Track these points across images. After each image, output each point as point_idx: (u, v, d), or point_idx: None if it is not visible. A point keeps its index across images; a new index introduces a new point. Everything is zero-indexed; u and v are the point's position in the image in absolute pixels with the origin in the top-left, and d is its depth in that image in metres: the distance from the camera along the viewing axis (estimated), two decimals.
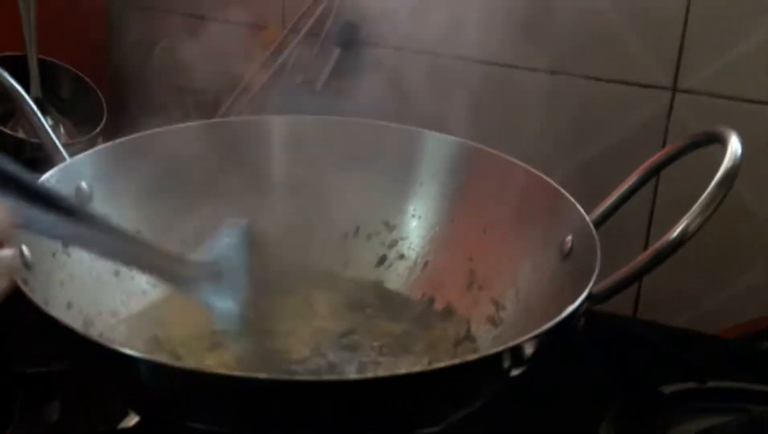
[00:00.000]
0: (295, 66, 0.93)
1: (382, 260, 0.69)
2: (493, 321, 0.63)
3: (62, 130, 0.82)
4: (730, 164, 0.51)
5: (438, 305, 0.66)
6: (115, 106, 0.96)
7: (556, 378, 0.69)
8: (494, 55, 0.90)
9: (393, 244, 0.69)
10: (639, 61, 0.86)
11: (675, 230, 0.50)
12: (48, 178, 0.58)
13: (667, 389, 0.67)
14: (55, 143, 0.61)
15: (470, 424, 0.55)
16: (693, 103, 0.85)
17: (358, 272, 0.69)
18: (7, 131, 0.73)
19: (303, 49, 0.93)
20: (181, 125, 0.66)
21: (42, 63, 0.80)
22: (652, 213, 0.87)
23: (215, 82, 0.96)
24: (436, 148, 0.68)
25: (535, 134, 0.89)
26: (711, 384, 0.67)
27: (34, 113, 0.60)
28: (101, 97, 0.82)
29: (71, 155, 0.62)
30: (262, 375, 0.52)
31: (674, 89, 0.85)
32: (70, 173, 0.60)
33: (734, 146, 0.52)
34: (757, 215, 0.85)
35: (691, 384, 0.67)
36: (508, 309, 0.63)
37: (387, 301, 0.67)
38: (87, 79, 0.83)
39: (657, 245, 0.50)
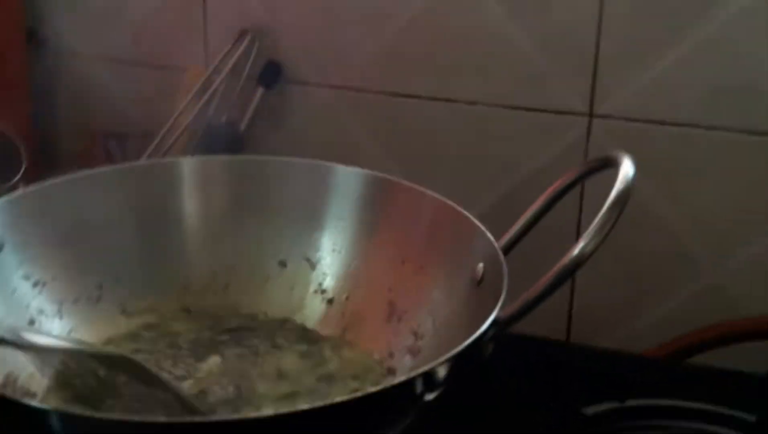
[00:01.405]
0: (219, 106, 0.94)
1: (304, 295, 0.69)
2: (413, 352, 0.63)
3: None
4: (622, 186, 0.52)
5: (359, 340, 0.66)
6: (39, 155, 0.95)
7: (479, 401, 0.70)
8: (415, 89, 0.91)
9: (314, 279, 0.70)
10: (555, 89, 0.88)
11: (571, 253, 0.51)
12: None
13: (589, 410, 0.68)
14: None
15: None
16: (610, 127, 0.87)
17: (281, 310, 0.69)
18: None
19: (226, 90, 0.94)
20: (91, 171, 0.66)
21: None
22: (578, 230, 0.89)
23: (140, 126, 0.97)
24: (348, 181, 0.68)
25: (456, 166, 0.91)
26: (631, 402, 0.68)
27: None
28: (20, 146, 0.81)
29: None
30: (176, 418, 0.53)
31: (591, 115, 0.87)
32: None
33: (626, 168, 0.53)
34: (679, 234, 0.87)
35: (612, 404, 0.68)
36: (426, 339, 0.63)
37: (307, 340, 0.67)
38: (4, 130, 0.82)
39: (555, 269, 0.51)
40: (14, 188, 0.78)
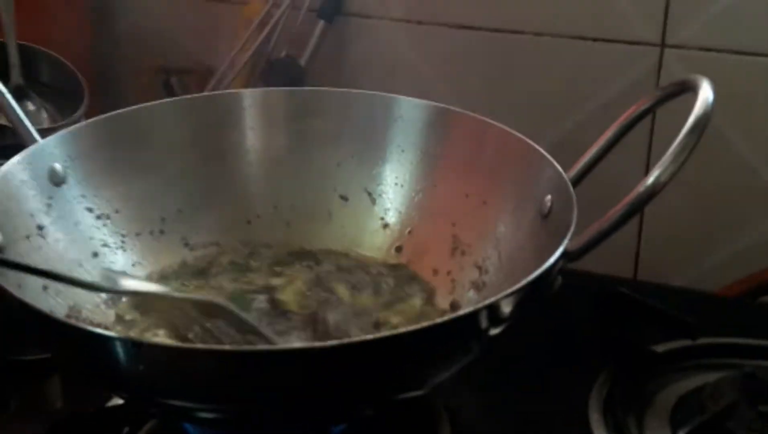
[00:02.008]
0: (280, 41, 0.92)
1: (366, 229, 0.68)
2: (477, 286, 0.62)
3: (45, 114, 0.81)
4: (701, 111, 0.50)
5: (423, 274, 0.65)
6: (100, 90, 0.95)
7: (546, 340, 0.69)
8: (480, 20, 0.89)
9: (376, 213, 0.68)
10: (625, 18, 0.84)
11: (646, 182, 0.49)
12: (19, 160, 0.58)
13: (660, 348, 0.66)
14: (27, 127, 0.60)
15: (457, 387, 0.55)
16: (683, 57, 0.84)
17: (344, 244, 0.68)
18: None
19: (287, 23, 0.92)
20: (151, 103, 0.65)
21: (21, 48, 0.79)
22: (648, 164, 0.86)
23: (200, 61, 0.96)
24: (411, 112, 0.67)
25: (523, 99, 0.88)
26: (703, 341, 0.66)
27: (3, 97, 0.60)
28: (81, 79, 0.81)
29: None
30: (242, 347, 0.53)
31: (663, 45, 0.84)
32: (42, 154, 0.60)
33: (705, 93, 0.50)
34: (755, 167, 0.84)
35: (683, 342, 0.66)
36: (491, 273, 0.62)
37: (370, 272, 0.66)
38: (67, 63, 0.82)
39: (628, 198, 0.49)
40: (76, 121, 0.78)
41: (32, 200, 0.58)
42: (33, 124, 0.77)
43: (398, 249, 0.67)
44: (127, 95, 0.97)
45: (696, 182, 0.82)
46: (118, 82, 0.98)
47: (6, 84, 0.78)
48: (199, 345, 0.47)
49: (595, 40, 0.86)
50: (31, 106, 0.80)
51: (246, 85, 0.91)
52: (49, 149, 0.60)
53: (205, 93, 0.71)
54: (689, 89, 0.52)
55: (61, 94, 0.82)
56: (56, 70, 0.82)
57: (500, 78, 0.89)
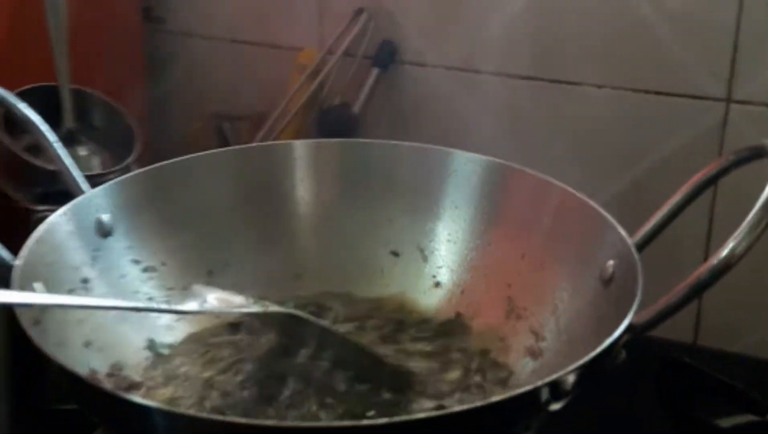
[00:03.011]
0: (333, 88, 0.91)
1: (418, 287, 0.66)
2: (533, 353, 0.59)
3: (96, 160, 0.81)
4: None
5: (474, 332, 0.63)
6: (153, 134, 0.95)
7: (603, 409, 0.66)
8: (540, 70, 0.87)
9: (428, 271, 0.66)
10: (690, 72, 0.81)
11: (719, 255, 0.46)
12: (66, 211, 0.57)
13: (725, 423, 0.63)
14: (75, 177, 0.59)
15: None
16: (749, 113, 0.81)
17: (392, 301, 0.66)
18: (38, 163, 0.72)
19: (340, 71, 0.91)
20: (201, 154, 0.64)
21: (75, 93, 0.79)
22: (710, 230, 0.83)
23: (253, 107, 0.95)
24: (466, 167, 0.65)
25: (582, 153, 0.85)
26: None
27: (51, 145, 0.59)
28: (134, 125, 0.80)
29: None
30: (290, 423, 0.50)
31: (728, 100, 0.81)
32: (89, 205, 0.59)
33: None
34: None
35: (750, 417, 0.63)
36: (548, 340, 0.59)
37: (421, 330, 0.64)
38: (120, 108, 0.81)
39: (698, 271, 0.46)
40: (127, 169, 0.77)
41: (77, 252, 0.57)
42: (84, 169, 0.76)
43: (450, 309, 0.65)
44: (179, 141, 0.96)
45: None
46: (171, 128, 0.97)
47: (58, 128, 0.79)
48: (242, 419, 0.45)
49: (657, 93, 0.83)
50: (82, 152, 0.79)
51: (299, 133, 0.89)
52: (97, 200, 0.59)
53: (255, 143, 0.70)
54: (765, 155, 0.49)
55: (113, 140, 0.81)
56: (109, 116, 0.82)
57: (559, 130, 0.87)
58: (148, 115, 0.95)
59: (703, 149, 0.82)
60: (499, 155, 0.87)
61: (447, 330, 0.63)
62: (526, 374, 0.58)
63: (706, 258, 0.81)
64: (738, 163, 0.54)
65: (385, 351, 0.60)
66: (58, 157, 0.59)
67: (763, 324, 0.84)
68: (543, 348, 0.59)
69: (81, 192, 0.59)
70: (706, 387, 0.64)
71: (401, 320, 0.64)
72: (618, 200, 0.84)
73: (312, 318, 0.55)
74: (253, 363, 0.56)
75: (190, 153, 0.66)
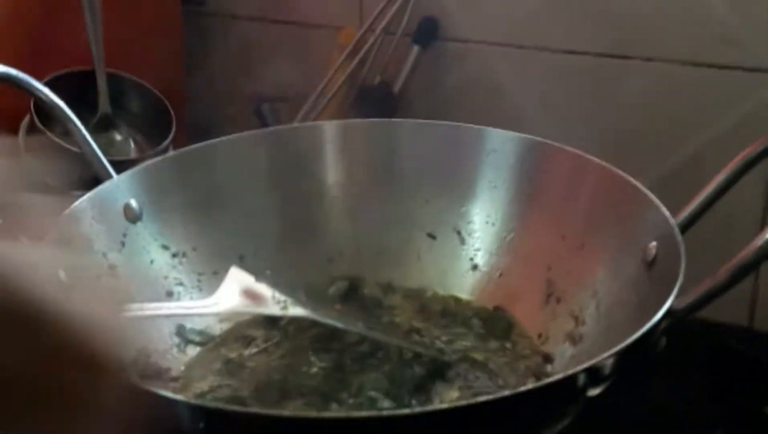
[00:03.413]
0: (373, 67, 0.89)
1: (455, 271, 0.64)
2: (573, 338, 0.57)
3: (132, 144, 0.80)
4: None
5: (512, 318, 0.61)
6: (192, 117, 0.94)
7: (650, 396, 0.63)
8: (584, 45, 0.83)
9: (466, 253, 0.64)
10: (743, 43, 0.77)
11: (764, 235, 0.43)
12: (91, 197, 0.56)
13: None
14: (102, 162, 0.59)
15: None
16: None
17: (430, 284, 0.64)
18: (71, 147, 0.72)
19: (381, 49, 0.89)
20: (229, 137, 0.63)
21: (110, 77, 0.79)
22: (765, 207, 0.79)
23: (293, 88, 0.94)
24: (503, 146, 0.63)
25: (629, 130, 0.82)
26: None
27: (79, 130, 0.58)
28: (170, 109, 0.80)
29: None
30: (340, 414, 0.49)
31: None
32: (117, 191, 0.58)
33: None
34: None
35: None
36: (588, 325, 0.57)
37: (459, 315, 0.62)
38: (156, 92, 0.81)
39: (743, 253, 0.43)
40: (164, 151, 0.77)
41: (104, 237, 0.57)
42: (120, 153, 0.76)
43: (488, 292, 0.63)
44: (219, 123, 0.95)
45: None
46: (212, 109, 0.97)
47: (94, 112, 0.79)
48: (261, 410, 0.44)
49: (709, 66, 0.79)
50: (118, 136, 0.79)
51: (338, 113, 0.88)
52: (124, 185, 0.59)
53: (284, 126, 0.68)
54: None
55: (150, 124, 0.81)
56: (145, 100, 0.81)
57: (605, 107, 0.83)
58: (188, 97, 0.95)
59: (758, 125, 0.78)
60: (544, 133, 0.84)
61: (485, 321, 0.61)
62: (566, 360, 0.56)
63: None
64: None
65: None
66: (85, 142, 0.59)
67: None
68: (583, 333, 0.56)
69: (108, 177, 0.58)
70: (758, 374, 0.61)
71: (435, 311, 0.62)
72: (670, 178, 0.81)
73: (330, 322, 0.54)
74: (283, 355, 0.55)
75: (230, 134, 0.65)
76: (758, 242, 0.43)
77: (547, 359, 0.57)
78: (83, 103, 0.78)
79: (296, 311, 0.52)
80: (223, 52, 0.98)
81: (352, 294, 0.63)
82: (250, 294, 0.52)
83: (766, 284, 0.82)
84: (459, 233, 0.64)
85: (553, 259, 0.60)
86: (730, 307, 0.82)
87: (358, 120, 0.66)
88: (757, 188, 0.78)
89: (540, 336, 0.59)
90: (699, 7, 0.78)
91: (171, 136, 0.78)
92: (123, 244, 0.58)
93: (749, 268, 0.43)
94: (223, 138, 0.62)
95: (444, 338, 0.59)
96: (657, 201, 0.54)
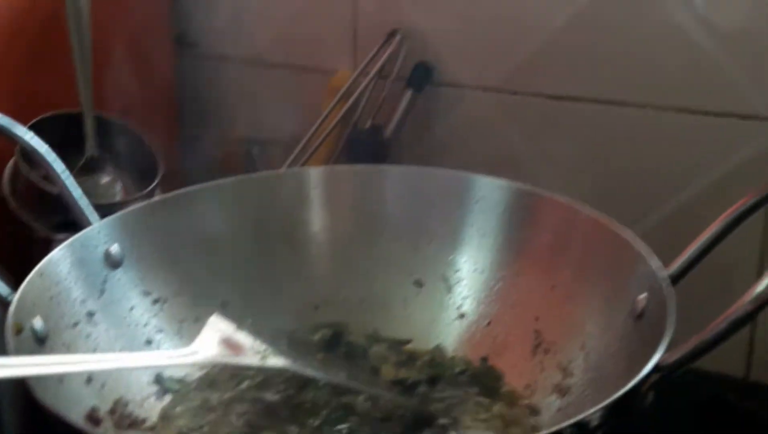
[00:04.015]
0: (366, 110, 0.89)
1: (441, 319, 0.63)
2: (560, 390, 0.56)
3: (119, 187, 0.79)
4: None
5: (499, 371, 0.59)
6: (183, 159, 0.94)
7: None
8: (578, 91, 0.83)
9: (453, 302, 0.63)
10: (738, 90, 0.77)
11: (755, 289, 0.42)
12: (72, 243, 0.55)
13: None
14: (82, 208, 0.58)
15: None
16: None
17: (416, 332, 0.63)
18: (56, 191, 0.71)
19: (374, 93, 0.89)
20: (215, 182, 0.62)
21: (99, 120, 0.78)
22: (762, 257, 0.78)
23: (284, 131, 0.93)
24: (492, 194, 0.62)
25: (623, 177, 0.81)
26: None
27: (59, 176, 0.57)
28: (157, 152, 0.79)
29: None
30: None
31: None
32: (96, 237, 0.57)
33: None
34: None
35: None
36: (576, 377, 0.55)
37: (445, 367, 0.60)
38: (143, 135, 0.80)
39: (733, 307, 0.42)
40: (150, 195, 0.76)
41: (83, 284, 0.56)
42: (106, 196, 0.76)
43: (475, 342, 0.61)
44: (210, 165, 0.94)
45: None
46: (202, 152, 0.96)
47: (81, 154, 0.78)
48: None
49: (704, 113, 0.79)
50: (105, 179, 0.78)
51: (330, 157, 0.87)
52: (105, 231, 0.58)
53: (269, 171, 0.67)
54: None
55: (137, 166, 0.80)
56: (133, 142, 0.81)
57: (599, 154, 0.83)
58: (179, 139, 0.94)
59: (754, 173, 0.77)
60: (537, 179, 0.83)
61: (472, 373, 0.60)
62: (552, 413, 0.54)
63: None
64: None
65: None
66: (66, 188, 0.58)
67: None
68: (570, 385, 0.55)
69: (89, 223, 0.57)
70: (757, 429, 0.60)
71: (421, 361, 0.61)
72: (664, 226, 0.80)
73: (310, 372, 0.52)
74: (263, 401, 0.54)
75: (221, 177, 0.64)
76: (754, 290, 0.42)
77: (534, 411, 0.56)
78: (70, 145, 0.77)
79: (276, 361, 0.51)
80: (215, 95, 0.98)
81: (336, 342, 0.61)
82: (229, 343, 0.51)
83: (763, 335, 0.80)
84: (446, 280, 0.63)
85: (541, 309, 0.59)
86: (726, 357, 0.80)
87: (344, 166, 0.65)
88: (754, 237, 0.77)
89: (527, 387, 0.57)
90: (694, 54, 0.78)
91: (157, 179, 0.77)
92: (102, 291, 0.57)
93: (738, 323, 0.42)
94: (207, 183, 0.62)
95: (429, 389, 0.58)
96: (647, 253, 0.53)
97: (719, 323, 0.43)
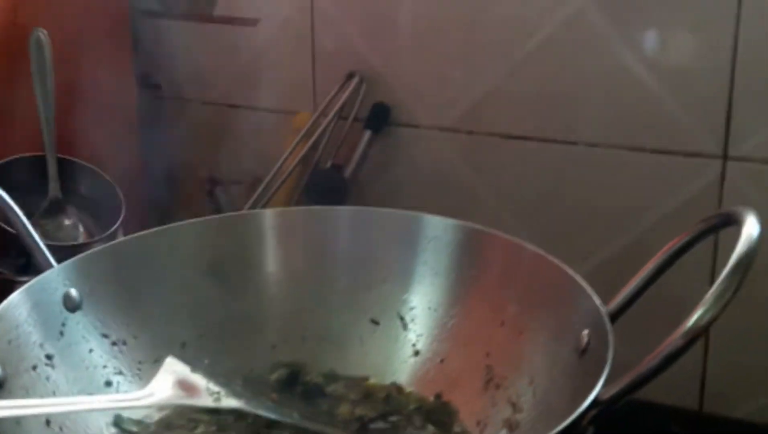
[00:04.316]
0: (326, 151, 0.91)
1: (397, 357, 0.65)
2: (510, 425, 0.57)
3: (81, 228, 0.80)
4: (744, 249, 0.45)
5: (453, 407, 0.61)
6: (146, 199, 0.95)
7: None
8: (531, 131, 0.85)
9: (409, 339, 0.65)
10: (685, 129, 0.80)
11: (684, 327, 0.44)
12: (30, 287, 0.56)
13: None
14: (42, 252, 0.59)
15: None
16: (746, 170, 0.79)
17: (373, 370, 0.64)
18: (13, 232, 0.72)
19: (333, 133, 0.91)
20: (172, 225, 0.63)
21: (61, 162, 0.79)
22: (713, 279, 0.80)
23: (247, 171, 0.95)
24: (444, 233, 0.63)
25: (577, 213, 0.84)
26: None
27: (19, 219, 0.59)
28: (119, 192, 0.80)
29: None
30: None
31: (725, 157, 0.79)
32: (57, 280, 0.58)
33: (749, 228, 0.46)
34: None
35: None
36: (525, 412, 0.57)
37: (401, 404, 0.62)
38: (106, 176, 0.82)
39: (664, 345, 0.44)
40: (113, 236, 0.77)
41: (42, 327, 0.56)
42: (69, 238, 0.77)
43: (429, 378, 0.63)
44: (173, 205, 0.96)
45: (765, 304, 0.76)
46: (165, 192, 0.97)
47: (43, 197, 0.79)
48: None
49: (652, 151, 0.81)
50: (67, 221, 0.79)
51: (291, 196, 0.89)
52: (65, 274, 0.59)
53: (224, 214, 0.69)
54: (733, 223, 0.47)
55: (100, 208, 0.81)
56: (96, 184, 0.82)
57: (551, 191, 0.85)
58: (142, 179, 0.95)
59: (701, 208, 0.80)
60: (493, 218, 0.86)
61: (426, 411, 0.61)
62: None
63: None
64: (708, 231, 0.52)
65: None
66: (25, 231, 0.59)
67: None
68: (520, 420, 0.57)
69: (48, 267, 0.59)
70: None
71: (377, 399, 0.62)
72: (613, 262, 0.82)
73: (263, 412, 0.54)
74: None
75: (183, 219, 0.66)
76: (677, 334, 0.44)
77: None
78: (34, 187, 0.79)
79: (229, 402, 0.52)
80: (178, 136, 0.99)
81: (293, 381, 0.63)
82: (184, 385, 0.52)
83: (715, 367, 0.82)
84: (402, 318, 0.65)
85: (492, 345, 0.61)
86: (678, 390, 0.83)
87: (299, 208, 0.67)
88: (704, 271, 0.79)
89: (479, 423, 0.59)
90: (642, 94, 0.80)
91: (120, 220, 0.78)
92: (62, 334, 0.57)
93: (671, 358, 0.44)
94: (165, 226, 0.63)
95: (385, 427, 0.59)
96: (588, 289, 0.55)
97: (654, 357, 0.44)
